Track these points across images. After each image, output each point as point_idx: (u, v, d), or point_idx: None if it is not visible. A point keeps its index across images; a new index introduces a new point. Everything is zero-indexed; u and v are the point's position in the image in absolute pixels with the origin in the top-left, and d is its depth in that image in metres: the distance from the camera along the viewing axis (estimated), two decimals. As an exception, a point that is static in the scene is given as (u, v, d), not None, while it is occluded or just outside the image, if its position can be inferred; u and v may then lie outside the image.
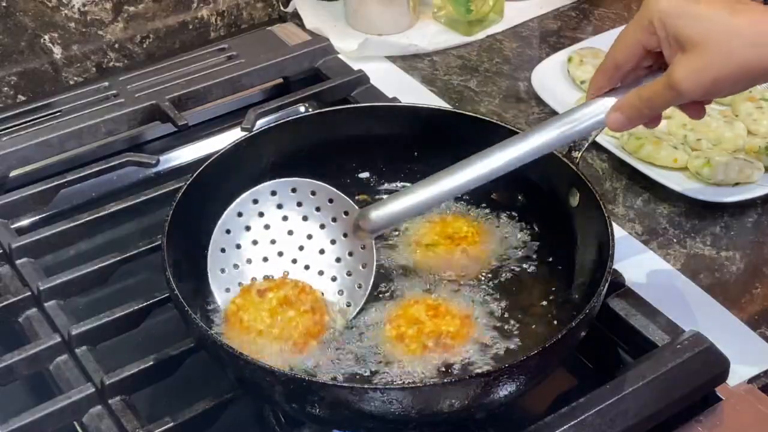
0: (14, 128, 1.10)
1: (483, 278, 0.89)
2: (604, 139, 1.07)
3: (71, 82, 1.24)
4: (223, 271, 0.86)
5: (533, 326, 0.85)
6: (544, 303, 0.87)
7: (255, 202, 0.87)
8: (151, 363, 0.82)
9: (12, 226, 0.98)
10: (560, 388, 0.86)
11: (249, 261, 0.87)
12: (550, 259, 0.91)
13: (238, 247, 0.87)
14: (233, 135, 1.07)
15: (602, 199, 0.85)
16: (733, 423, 0.80)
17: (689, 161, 1.05)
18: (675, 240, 0.99)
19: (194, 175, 0.88)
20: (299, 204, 0.88)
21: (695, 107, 0.84)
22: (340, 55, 1.23)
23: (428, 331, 0.82)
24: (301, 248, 0.88)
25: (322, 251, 0.88)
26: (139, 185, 1.08)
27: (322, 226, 0.88)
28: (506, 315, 0.86)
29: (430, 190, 0.84)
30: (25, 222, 1.03)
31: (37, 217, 1.04)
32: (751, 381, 0.84)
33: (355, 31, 1.30)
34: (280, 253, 0.88)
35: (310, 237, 0.88)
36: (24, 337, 0.87)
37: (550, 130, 0.83)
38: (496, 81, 1.22)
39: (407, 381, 0.79)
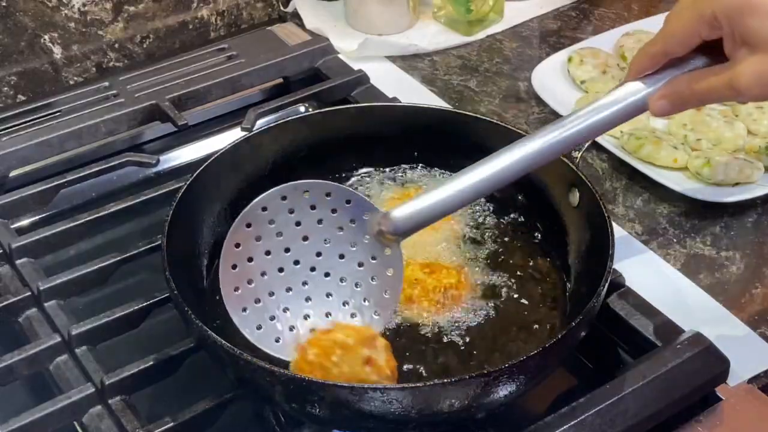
0: (14, 128, 1.10)
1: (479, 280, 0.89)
2: (604, 138, 1.07)
3: (71, 82, 1.24)
4: (236, 289, 0.78)
5: (533, 326, 0.85)
6: (543, 303, 0.87)
7: (264, 209, 0.79)
8: (151, 363, 0.82)
9: (12, 226, 0.98)
10: (560, 388, 0.86)
11: (263, 274, 0.79)
12: (549, 259, 0.91)
13: (250, 260, 0.79)
14: (233, 135, 1.07)
15: (602, 198, 0.85)
16: (733, 423, 0.80)
17: (689, 161, 1.04)
18: (675, 240, 0.99)
19: (194, 175, 0.88)
20: (313, 207, 0.80)
21: None
22: (340, 55, 1.23)
23: (432, 287, 0.81)
24: (318, 254, 0.80)
25: (341, 256, 0.80)
26: (138, 185, 1.08)
27: (341, 228, 0.80)
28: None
29: (460, 185, 0.76)
30: (25, 222, 1.03)
31: (37, 217, 1.04)
32: (751, 381, 0.84)
33: (355, 31, 1.30)
34: (296, 262, 0.80)
35: (327, 241, 0.80)
36: (24, 337, 0.87)
37: (593, 114, 0.77)
38: (496, 81, 1.22)
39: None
